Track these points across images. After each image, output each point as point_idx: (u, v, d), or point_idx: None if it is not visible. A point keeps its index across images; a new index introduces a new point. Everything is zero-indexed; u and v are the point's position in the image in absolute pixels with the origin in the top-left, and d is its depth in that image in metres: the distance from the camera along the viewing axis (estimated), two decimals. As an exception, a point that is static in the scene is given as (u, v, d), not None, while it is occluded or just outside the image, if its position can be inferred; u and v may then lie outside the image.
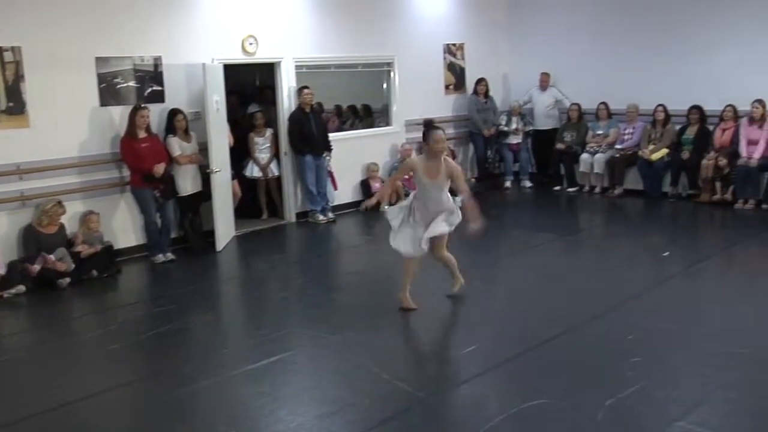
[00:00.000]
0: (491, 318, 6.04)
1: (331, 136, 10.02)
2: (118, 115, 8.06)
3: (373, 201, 6.46)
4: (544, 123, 11.99)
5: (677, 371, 4.82)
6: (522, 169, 11.94)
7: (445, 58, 11.56)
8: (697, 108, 10.29)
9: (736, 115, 9.94)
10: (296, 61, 9.66)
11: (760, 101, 9.65)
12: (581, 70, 11.67)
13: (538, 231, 9.06)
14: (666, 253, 7.66)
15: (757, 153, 9.61)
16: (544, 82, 11.90)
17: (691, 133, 10.34)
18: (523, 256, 7.94)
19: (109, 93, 8.02)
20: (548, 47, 11.97)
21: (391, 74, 10.85)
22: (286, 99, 9.64)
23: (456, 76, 11.75)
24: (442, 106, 11.54)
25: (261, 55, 9.32)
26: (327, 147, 9.78)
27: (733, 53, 10.13)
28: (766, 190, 9.46)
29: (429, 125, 6.33)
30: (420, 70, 11.10)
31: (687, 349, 5.22)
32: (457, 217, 6.15)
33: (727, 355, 5.01)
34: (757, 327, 5.58)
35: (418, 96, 11.08)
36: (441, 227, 6.05)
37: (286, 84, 9.62)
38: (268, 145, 9.71)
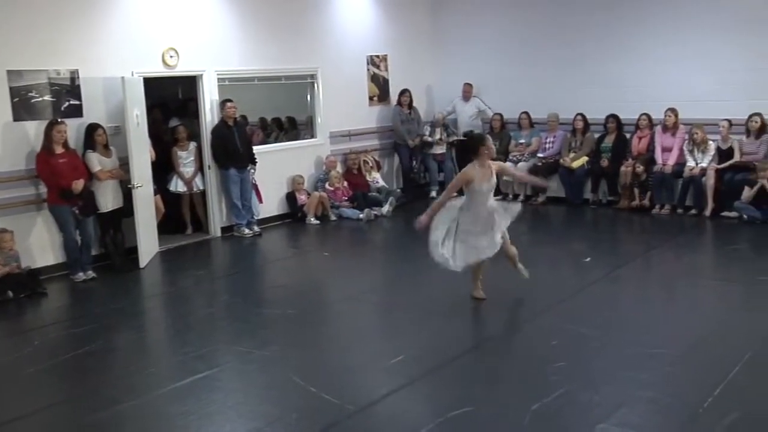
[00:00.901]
0: (417, 328, 6.05)
1: (256, 149, 9.92)
2: (33, 130, 7.79)
3: (426, 219, 6.28)
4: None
5: (599, 374, 4.93)
6: (447, 179, 12.01)
7: (368, 70, 11.61)
8: (614, 117, 10.59)
9: (651, 123, 10.28)
10: (218, 74, 9.55)
11: (672, 110, 10.00)
12: (503, 80, 11.87)
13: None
14: (588, 259, 7.84)
15: (671, 159, 9.95)
16: (467, 93, 12.05)
17: (609, 141, 10.64)
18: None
19: (23, 107, 7.75)
20: (471, 58, 12.15)
21: (315, 86, 10.82)
22: (209, 112, 9.51)
23: (380, 87, 11.82)
24: (366, 117, 11.57)
25: (182, 68, 9.17)
26: (251, 160, 9.68)
27: (647, 63, 10.46)
28: (680, 196, 9.81)
29: (473, 135, 6.89)
30: (344, 81, 11.11)
31: (608, 352, 5.34)
32: (516, 206, 6.62)
33: (646, 356, 5.15)
34: (673, 328, 5.77)
35: (342, 108, 11.08)
36: (506, 220, 6.40)
37: (209, 97, 9.49)
38: (192, 158, 9.56)
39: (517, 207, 6.62)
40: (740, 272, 7.31)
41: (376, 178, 11.24)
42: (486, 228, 6.27)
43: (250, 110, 11.15)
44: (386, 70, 11.88)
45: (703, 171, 9.62)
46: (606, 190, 10.63)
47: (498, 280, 7.44)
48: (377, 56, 11.73)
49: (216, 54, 9.51)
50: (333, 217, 10.37)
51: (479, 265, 6.48)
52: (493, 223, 6.29)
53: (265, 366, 5.34)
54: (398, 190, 11.55)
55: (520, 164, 11.13)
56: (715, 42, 9.97)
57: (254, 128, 11.44)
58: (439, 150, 12.00)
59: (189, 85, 9.84)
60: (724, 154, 9.66)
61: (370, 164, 11.26)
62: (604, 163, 10.51)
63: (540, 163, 11.04)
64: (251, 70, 9.94)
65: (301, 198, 10.41)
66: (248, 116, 11.14)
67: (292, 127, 11.75)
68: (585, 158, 10.73)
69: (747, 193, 9.09)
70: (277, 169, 10.32)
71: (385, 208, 10.52)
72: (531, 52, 11.55)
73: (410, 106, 11.72)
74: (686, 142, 9.90)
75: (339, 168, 10.97)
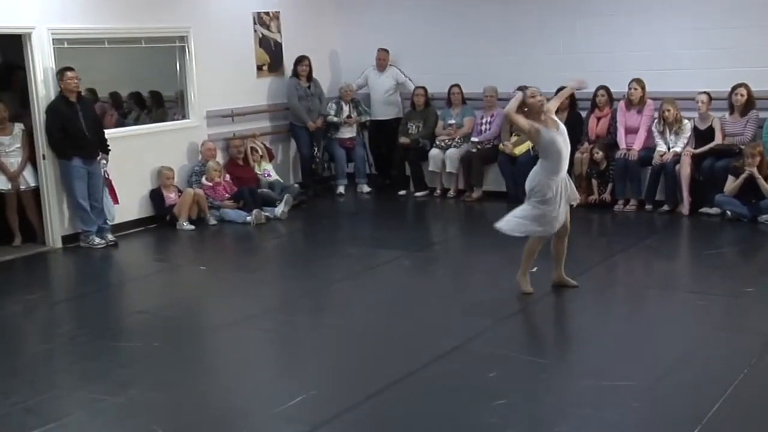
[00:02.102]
0: (322, 359, 6.04)
1: (108, 132, 9.75)
2: None
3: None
4: (383, 112, 12.24)
5: (549, 413, 5.00)
6: (358, 171, 12.10)
7: (255, 31, 11.53)
8: (566, 91, 10.83)
9: (612, 99, 10.53)
10: (54, 33, 9.31)
11: (637, 81, 10.27)
12: (428, 46, 11.99)
13: (379, 247, 9.18)
14: (534, 269, 7.95)
15: (637, 143, 10.22)
16: (383, 61, 12.11)
17: (560, 120, 10.83)
18: (362, 279, 8.01)
19: None
20: (387, 18, 12.24)
21: (186, 52, 10.70)
22: (42, 85, 9.27)
23: (270, 54, 11.75)
24: (253, 92, 11.53)
25: (1, 24, 8.89)
26: (102, 148, 9.50)
27: (605, 26, 10.75)
28: (649, 188, 10.07)
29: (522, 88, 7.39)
30: (224, 46, 11.03)
31: (560, 384, 5.42)
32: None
33: (606, 389, 5.24)
34: (640, 354, 5.89)
35: (223, 80, 11.00)
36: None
37: (41, 64, 9.25)
38: (18, 146, 9.36)
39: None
40: (722, 283, 7.53)
41: (267, 171, 11.17)
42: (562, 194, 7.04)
43: (99, 82, 10.95)
44: (278, 31, 11.83)
45: (677, 157, 9.91)
46: (558, 183, 10.83)
47: (424, 294, 7.50)
48: (266, 14, 11.67)
49: (50, 6, 9.28)
50: (212, 221, 10.29)
51: (537, 248, 7.14)
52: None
53: (120, 417, 5.23)
54: (296, 185, 11.53)
55: (450, 151, 11.25)
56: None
57: (105, 106, 11.24)
58: (348, 134, 12.03)
59: (12, 47, 9.55)
60: (702, 136, 9.98)
61: (260, 153, 11.20)
62: (556, 148, 10.72)
63: (474, 149, 11.19)
64: (99, 29, 9.75)
65: (170, 197, 10.29)
66: (97, 90, 10.93)
67: (156, 105, 11.57)
68: (529, 143, 10.89)
69: (731, 184, 9.40)
70: (138, 159, 10.16)
71: (280, 209, 10.46)
72: (464, 10, 11.74)
73: (310, 77, 11.70)
74: (655, 121, 10.18)
75: (219, 158, 10.85)
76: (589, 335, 6.36)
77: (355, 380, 5.61)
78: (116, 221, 9.82)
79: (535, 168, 7.16)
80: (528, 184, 7.12)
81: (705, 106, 9.90)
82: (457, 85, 11.59)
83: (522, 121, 7.00)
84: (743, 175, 9.28)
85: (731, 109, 9.90)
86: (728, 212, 9.40)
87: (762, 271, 7.99)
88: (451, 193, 11.39)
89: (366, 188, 12.00)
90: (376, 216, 11.30)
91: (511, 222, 7.11)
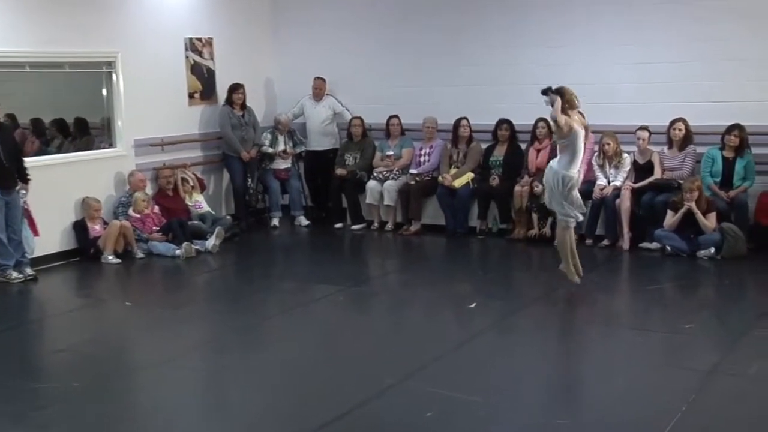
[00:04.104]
0: (254, 399, 5.98)
1: (28, 161, 9.56)
2: None
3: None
4: (319, 142, 12.24)
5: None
6: (293, 203, 12.06)
7: (187, 57, 11.49)
8: (506, 123, 10.97)
9: (552, 132, 10.65)
10: (-28, 57, 9.16)
11: (579, 113, 10.40)
12: (366, 75, 12.05)
13: (314, 282, 9.14)
14: (473, 305, 8.00)
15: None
16: (319, 90, 12.14)
17: (500, 153, 10.99)
18: (296, 316, 7.97)
19: None
20: (325, 46, 12.27)
21: (114, 77, 10.60)
22: (-42, 110, 9.09)
23: (203, 81, 11.71)
24: (184, 120, 11.45)
25: None
26: (21, 177, 9.33)
27: (549, 57, 10.87)
28: (589, 223, 10.16)
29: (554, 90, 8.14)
30: (154, 72, 10.94)
31: (498, 424, 5.44)
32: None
33: (545, 429, 5.28)
34: (579, 392, 5.96)
35: (152, 107, 10.89)
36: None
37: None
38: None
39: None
40: (662, 319, 7.69)
41: (198, 202, 11.09)
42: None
43: (20, 108, 10.75)
44: (211, 58, 11.80)
45: (617, 191, 10.09)
46: (497, 216, 10.95)
47: (360, 330, 7.49)
48: (199, 40, 11.63)
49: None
50: (140, 254, 10.16)
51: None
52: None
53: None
54: (228, 218, 11.46)
55: (388, 183, 11.28)
56: (630, 29, 10.52)
57: (25, 133, 11.05)
58: (283, 165, 12.00)
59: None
60: (641, 170, 10.18)
61: (191, 183, 11.10)
62: (495, 181, 10.84)
63: (413, 182, 11.24)
64: (20, 53, 9.61)
65: (95, 229, 10.15)
66: (17, 116, 10.73)
67: (81, 132, 11.39)
68: (470, 175, 11.01)
69: (670, 218, 9.58)
70: (61, 189, 10.01)
71: (211, 242, 10.38)
72: (402, 39, 11.81)
73: (244, 106, 11.68)
74: (596, 155, 10.35)
75: (148, 188, 10.74)
76: (529, 373, 6.40)
77: (288, 421, 5.56)
78: (36, 254, 9.61)
79: (554, 167, 8.18)
80: (558, 179, 8.12)
81: (644, 142, 10.10)
82: (396, 116, 11.64)
83: (564, 119, 7.97)
84: (682, 210, 9.46)
85: (670, 143, 10.11)
86: (668, 247, 9.56)
87: (701, 307, 8.16)
88: (389, 226, 11.40)
89: (304, 221, 11.93)
90: (311, 250, 11.27)
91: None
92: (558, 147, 8.41)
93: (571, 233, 8.42)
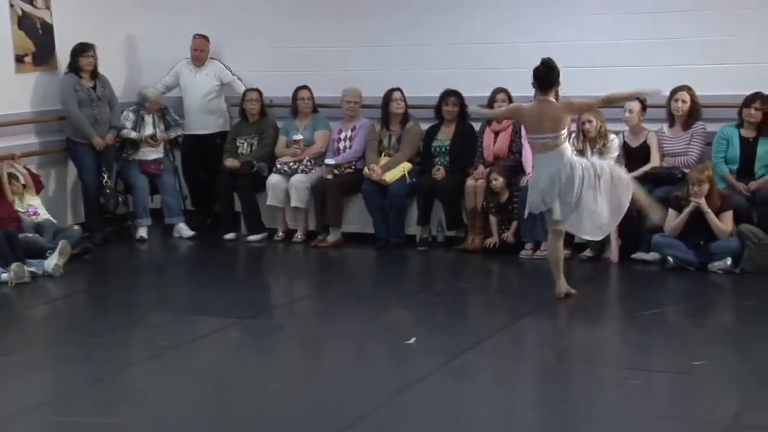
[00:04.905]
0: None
1: None
2: None
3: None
4: (202, 123, 12.22)
5: None
6: (167, 206, 11.97)
7: (12, 6, 11.38)
8: (454, 96, 11.00)
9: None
10: None
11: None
12: (265, 33, 12.04)
13: (197, 314, 9.06)
14: (412, 340, 7.98)
15: (549, 165, 10.42)
16: (201, 53, 12.10)
17: (445, 136, 11.02)
18: (171, 360, 7.86)
19: None
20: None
21: None
22: None
23: (36, 39, 11.62)
24: (11, 94, 11.38)
25: None
26: None
27: (508, 9, 11.00)
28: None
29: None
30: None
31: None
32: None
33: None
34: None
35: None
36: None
37: None
38: None
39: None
40: (663, 355, 7.73)
41: (32, 207, 10.91)
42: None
43: None
44: (47, 8, 11.72)
45: (602, 184, 10.15)
46: (443, 220, 10.96)
47: (260, 378, 7.42)
48: (32, -17, 11.52)
49: None
50: (-49, 280, 9.96)
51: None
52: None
53: None
54: (76, 228, 11.29)
55: (296, 178, 11.23)
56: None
57: None
58: (153, 154, 11.90)
59: None
60: (634, 156, 10.25)
61: (22, 181, 10.92)
62: (439, 173, 10.86)
63: (330, 175, 11.23)
64: None
65: None
66: None
67: None
68: (406, 166, 11.02)
69: (672, 220, 9.66)
70: None
71: (52, 262, 10.20)
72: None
73: (95, 75, 11.56)
74: (573, 136, 10.37)
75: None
76: (489, 426, 6.38)
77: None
78: None
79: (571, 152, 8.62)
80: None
81: (636, 116, 10.17)
82: (306, 87, 11.63)
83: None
84: (688, 209, 9.54)
85: (671, 120, 10.22)
86: (670, 258, 9.65)
87: (715, 338, 8.20)
88: (299, 236, 11.38)
89: (185, 231, 11.89)
90: (192, 270, 11.22)
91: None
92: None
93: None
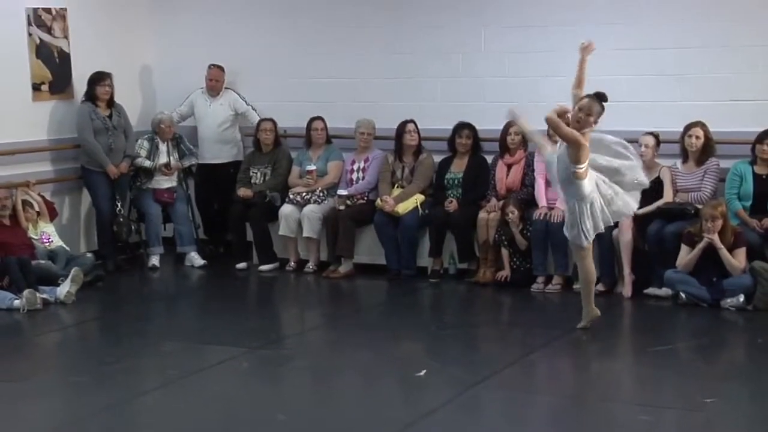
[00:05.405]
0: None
1: None
2: None
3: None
4: (216, 153, 12.25)
5: None
6: (180, 235, 11.98)
7: (30, 35, 11.41)
8: (467, 128, 11.02)
9: (527, 140, 10.70)
10: None
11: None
12: (280, 63, 12.08)
13: (209, 342, 9.04)
14: (422, 372, 7.97)
15: (562, 200, 10.32)
16: (216, 83, 12.13)
17: (458, 168, 11.03)
18: (183, 389, 7.84)
19: None
20: (222, 23, 12.30)
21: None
22: None
23: (53, 68, 11.64)
24: (27, 121, 11.39)
25: None
26: None
27: (519, 42, 11.00)
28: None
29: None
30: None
31: None
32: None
33: None
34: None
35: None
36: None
37: None
38: None
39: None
40: (675, 391, 7.69)
41: (46, 234, 10.94)
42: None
43: None
44: (65, 37, 11.74)
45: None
46: (455, 253, 10.97)
47: (271, 408, 7.42)
48: (47, 11, 11.57)
49: None
50: (-37, 306, 9.98)
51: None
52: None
53: None
54: (89, 255, 11.30)
55: (308, 208, 11.24)
56: (626, 2, 10.66)
57: None
58: (166, 183, 11.91)
59: None
60: (648, 191, 10.21)
61: (36, 208, 10.95)
62: (452, 205, 10.86)
63: (342, 206, 11.23)
64: None
65: None
66: None
67: None
68: (418, 198, 11.03)
69: (685, 255, 9.64)
70: None
71: (64, 289, 10.21)
72: (330, 17, 11.87)
73: (111, 104, 11.59)
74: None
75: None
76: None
77: None
78: None
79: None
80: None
81: (651, 151, 10.17)
82: (320, 118, 11.65)
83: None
84: (700, 245, 9.52)
85: (684, 155, 10.21)
86: (682, 294, 9.62)
87: (727, 376, 8.16)
88: (310, 266, 11.37)
89: (197, 260, 11.90)
90: (204, 299, 11.19)
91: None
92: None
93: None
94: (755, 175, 9.91)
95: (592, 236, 8.66)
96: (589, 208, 8.48)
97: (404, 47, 11.52)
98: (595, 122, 8.45)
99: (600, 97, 8.52)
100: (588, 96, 8.53)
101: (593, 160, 8.47)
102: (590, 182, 8.44)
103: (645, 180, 8.80)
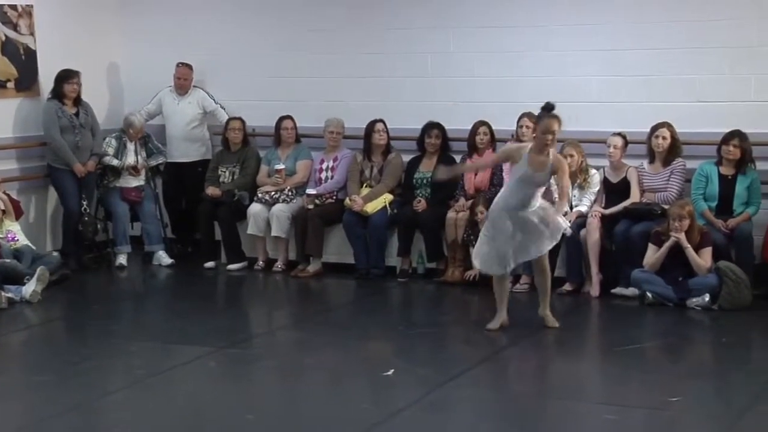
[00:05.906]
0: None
1: None
2: None
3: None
4: (184, 151, 12.23)
5: None
6: (148, 234, 11.97)
7: (-5, 32, 11.41)
8: (436, 128, 11.05)
9: (494, 140, 10.74)
10: None
11: (530, 116, 10.40)
12: (249, 61, 12.09)
13: (176, 342, 9.03)
14: (390, 372, 7.99)
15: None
16: (184, 81, 12.12)
17: (427, 168, 11.03)
18: (148, 389, 7.82)
19: None
20: (190, 21, 12.29)
21: None
22: None
23: (19, 65, 11.61)
24: (-5, 119, 11.33)
25: None
26: None
27: (489, 43, 11.03)
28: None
29: (546, 108, 8.68)
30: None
31: None
32: (559, 226, 8.82)
33: None
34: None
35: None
36: (544, 246, 8.88)
37: None
38: None
39: (559, 228, 8.82)
40: (641, 390, 7.73)
41: (11, 232, 10.87)
42: (515, 236, 8.75)
43: None
44: (31, 33, 11.71)
45: (582, 219, 10.20)
46: (423, 252, 10.99)
47: (238, 408, 7.41)
48: (13, 8, 11.53)
49: None
50: None
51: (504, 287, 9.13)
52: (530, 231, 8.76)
53: None
54: (55, 254, 11.28)
55: (277, 207, 11.25)
56: (595, 4, 10.71)
57: None
58: (134, 182, 11.89)
59: None
60: (614, 191, 10.30)
61: (2, 206, 10.89)
62: (420, 205, 10.90)
63: (311, 205, 11.23)
64: None
65: None
66: None
67: None
68: (387, 197, 11.06)
69: (652, 255, 9.70)
70: None
71: (30, 288, 10.16)
72: (297, 13, 11.86)
73: (78, 101, 11.56)
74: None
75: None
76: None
77: None
78: None
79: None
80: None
81: (619, 152, 10.22)
82: (289, 117, 11.66)
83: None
84: (667, 244, 9.58)
85: (651, 156, 10.27)
86: (649, 294, 9.66)
87: (692, 374, 8.23)
88: (279, 265, 11.38)
89: (164, 258, 11.87)
90: (171, 298, 11.18)
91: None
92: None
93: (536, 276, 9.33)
94: (720, 176, 9.98)
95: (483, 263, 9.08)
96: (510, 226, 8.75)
97: (374, 47, 11.54)
98: (558, 132, 8.64)
99: (549, 109, 8.61)
100: (540, 115, 8.69)
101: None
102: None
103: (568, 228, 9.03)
